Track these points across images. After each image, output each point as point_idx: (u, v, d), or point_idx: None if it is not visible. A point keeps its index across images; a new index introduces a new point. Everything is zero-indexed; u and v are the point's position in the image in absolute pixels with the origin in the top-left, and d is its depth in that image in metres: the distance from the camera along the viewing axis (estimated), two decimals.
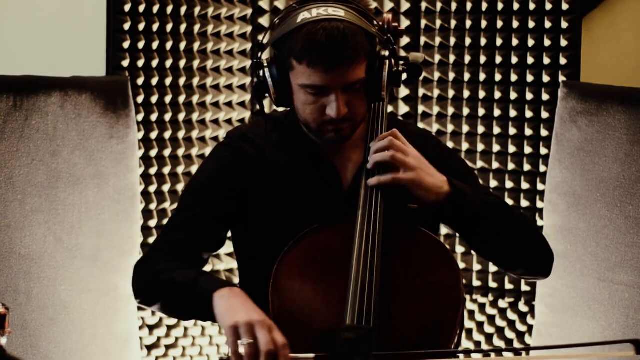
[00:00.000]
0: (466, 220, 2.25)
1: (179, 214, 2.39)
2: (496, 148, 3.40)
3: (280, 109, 2.43)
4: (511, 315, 3.41)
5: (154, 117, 3.31)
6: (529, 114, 3.35)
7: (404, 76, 2.40)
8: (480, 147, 3.42)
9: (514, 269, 2.37)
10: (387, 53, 2.29)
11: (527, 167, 3.37)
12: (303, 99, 2.25)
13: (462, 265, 3.43)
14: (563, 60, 3.30)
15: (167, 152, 3.33)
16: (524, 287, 3.38)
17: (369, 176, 2.25)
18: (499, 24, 3.36)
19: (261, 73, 2.28)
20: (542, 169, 3.33)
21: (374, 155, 2.23)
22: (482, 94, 3.40)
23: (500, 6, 3.35)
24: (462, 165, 2.47)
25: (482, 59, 3.39)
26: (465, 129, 3.43)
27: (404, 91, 3.45)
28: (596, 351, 2.45)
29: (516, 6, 3.33)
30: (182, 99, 3.35)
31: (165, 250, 2.31)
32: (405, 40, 3.39)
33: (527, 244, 2.33)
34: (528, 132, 3.35)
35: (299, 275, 2.21)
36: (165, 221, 3.31)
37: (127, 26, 3.24)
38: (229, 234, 2.43)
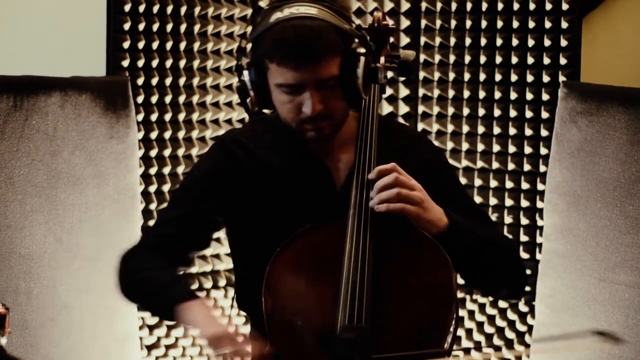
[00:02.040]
0: (460, 251, 2.25)
1: (170, 210, 2.44)
2: (496, 148, 3.40)
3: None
4: (511, 315, 3.41)
5: (154, 117, 3.31)
6: (529, 114, 3.35)
7: (390, 74, 2.41)
8: (480, 147, 3.42)
9: (497, 292, 2.41)
10: (363, 50, 2.28)
11: (527, 167, 3.37)
12: (280, 98, 2.26)
13: None
14: (563, 60, 3.30)
15: (167, 152, 3.33)
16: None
17: (364, 169, 2.26)
18: (499, 24, 3.36)
19: (241, 76, 2.29)
20: (542, 169, 3.32)
21: (381, 194, 2.21)
22: (482, 94, 3.40)
23: (500, 6, 3.35)
24: (451, 173, 2.49)
25: (482, 59, 3.39)
26: (465, 129, 3.43)
27: (404, 91, 3.45)
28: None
29: (516, 6, 3.33)
30: (182, 99, 3.35)
31: (153, 245, 2.36)
32: (405, 40, 3.39)
33: (512, 270, 2.37)
34: (528, 132, 3.35)
35: (291, 275, 2.22)
36: None
37: (127, 26, 3.24)
38: (224, 235, 2.45)
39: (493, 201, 3.40)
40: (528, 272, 2.51)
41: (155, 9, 3.28)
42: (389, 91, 3.44)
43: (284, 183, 2.34)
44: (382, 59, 2.37)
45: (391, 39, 2.45)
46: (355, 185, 2.25)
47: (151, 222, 3.31)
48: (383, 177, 2.22)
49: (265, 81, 2.27)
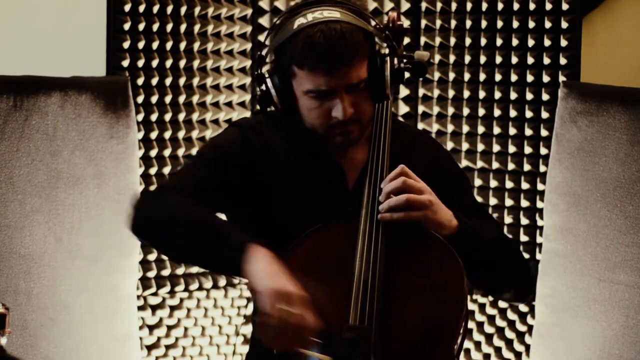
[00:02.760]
0: (468, 253, 2.24)
1: (191, 167, 2.33)
2: (496, 148, 3.40)
3: None
4: (511, 315, 3.41)
5: (154, 117, 3.31)
6: (529, 114, 3.35)
7: (407, 75, 2.40)
8: (480, 147, 3.42)
9: (500, 296, 2.40)
10: (387, 51, 2.29)
11: (527, 167, 3.37)
12: (307, 104, 2.25)
13: None
14: (563, 60, 3.30)
15: (167, 152, 3.33)
16: None
17: (378, 167, 2.25)
18: (499, 24, 3.36)
19: (263, 85, 2.27)
20: (542, 169, 3.33)
21: (389, 201, 2.21)
22: (482, 94, 3.40)
23: (500, 6, 3.35)
24: (456, 171, 2.49)
25: (482, 59, 3.39)
26: (465, 129, 3.43)
27: (404, 91, 3.45)
28: None
29: (516, 6, 3.33)
30: (182, 99, 3.35)
31: (183, 187, 2.23)
32: (405, 40, 3.38)
33: (518, 276, 2.38)
34: (528, 132, 3.35)
35: (302, 274, 2.20)
36: None
37: (127, 26, 3.24)
38: None
39: (493, 201, 3.41)
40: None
41: (155, 9, 3.28)
42: None
43: (296, 180, 2.34)
44: (397, 60, 2.37)
45: (406, 40, 2.45)
46: (367, 186, 2.25)
47: None
48: (391, 182, 2.21)
49: (290, 88, 2.26)
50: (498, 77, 3.38)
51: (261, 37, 3.35)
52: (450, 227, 2.23)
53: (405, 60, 2.40)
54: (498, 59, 3.37)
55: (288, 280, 2.05)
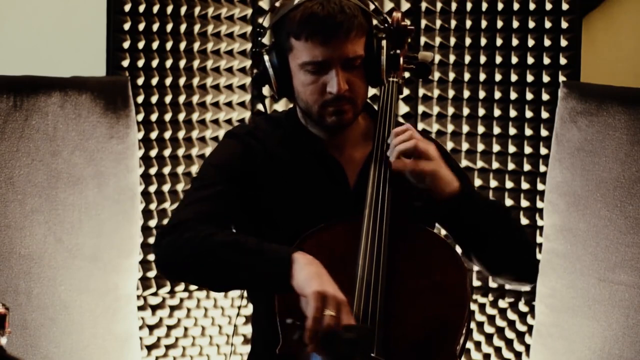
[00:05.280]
0: (470, 217, 2.24)
1: (198, 191, 2.31)
2: (496, 148, 3.40)
3: (279, 109, 2.43)
4: (511, 315, 3.41)
5: (154, 117, 3.31)
6: (529, 114, 3.35)
7: (410, 75, 2.41)
8: (480, 147, 3.42)
9: (502, 272, 2.37)
10: (384, 34, 2.30)
11: (527, 167, 3.37)
12: (303, 79, 2.26)
13: None
14: (563, 60, 3.30)
15: (167, 152, 3.33)
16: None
17: (381, 166, 2.24)
18: (499, 24, 3.36)
19: (260, 64, 2.29)
20: (542, 169, 3.33)
21: (399, 146, 2.22)
22: (482, 94, 3.40)
23: (500, 6, 3.35)
24: (455, 169, 2.48)
25: (482, 59, 3.39)
26: (465, 129, 3.43)
27: (404, 91, 3.45)
28: None
29: (516, 6, 3.33)
30: (182, 99, 3.35)
31: (197, 218, 2.22)
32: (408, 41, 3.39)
33: (519, 248, 2.36)
34: (528, 132, 3.35)
35: None
36: (165, 221, 3.32)
37: (127, 26, 3.24)
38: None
39: None
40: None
41: (155, 9, 3.28)
42: None
43: (298, 180, 2.34)
44: (401, 60, 2.37)
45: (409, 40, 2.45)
46: (371, 184, 2.24)
47: (151, 222, 3.32)
48: (399, 135, 2.23)
49: (286, 65, 2.27)
50: (498, 77, 3.38)
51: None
52: (454, 186, 2.24)
53: (408, 61, 2.40)
54: (498, 59, 3.37)
55: (333, 284, 2.06)
